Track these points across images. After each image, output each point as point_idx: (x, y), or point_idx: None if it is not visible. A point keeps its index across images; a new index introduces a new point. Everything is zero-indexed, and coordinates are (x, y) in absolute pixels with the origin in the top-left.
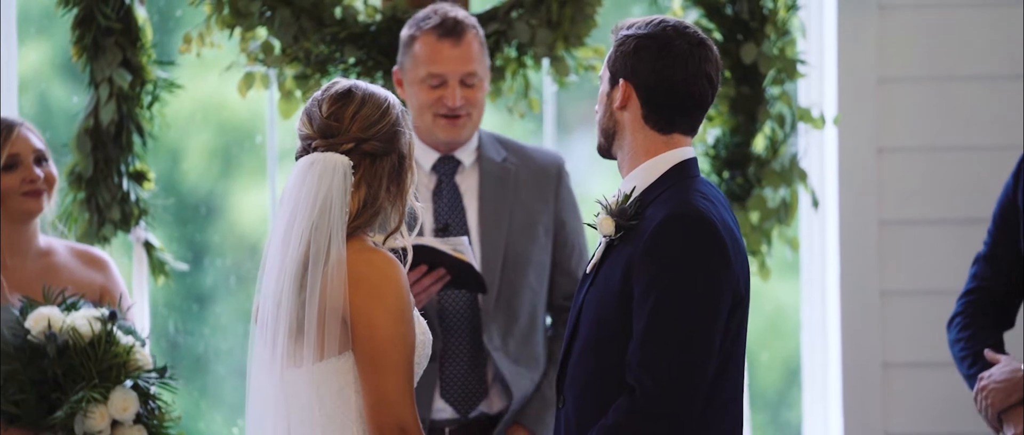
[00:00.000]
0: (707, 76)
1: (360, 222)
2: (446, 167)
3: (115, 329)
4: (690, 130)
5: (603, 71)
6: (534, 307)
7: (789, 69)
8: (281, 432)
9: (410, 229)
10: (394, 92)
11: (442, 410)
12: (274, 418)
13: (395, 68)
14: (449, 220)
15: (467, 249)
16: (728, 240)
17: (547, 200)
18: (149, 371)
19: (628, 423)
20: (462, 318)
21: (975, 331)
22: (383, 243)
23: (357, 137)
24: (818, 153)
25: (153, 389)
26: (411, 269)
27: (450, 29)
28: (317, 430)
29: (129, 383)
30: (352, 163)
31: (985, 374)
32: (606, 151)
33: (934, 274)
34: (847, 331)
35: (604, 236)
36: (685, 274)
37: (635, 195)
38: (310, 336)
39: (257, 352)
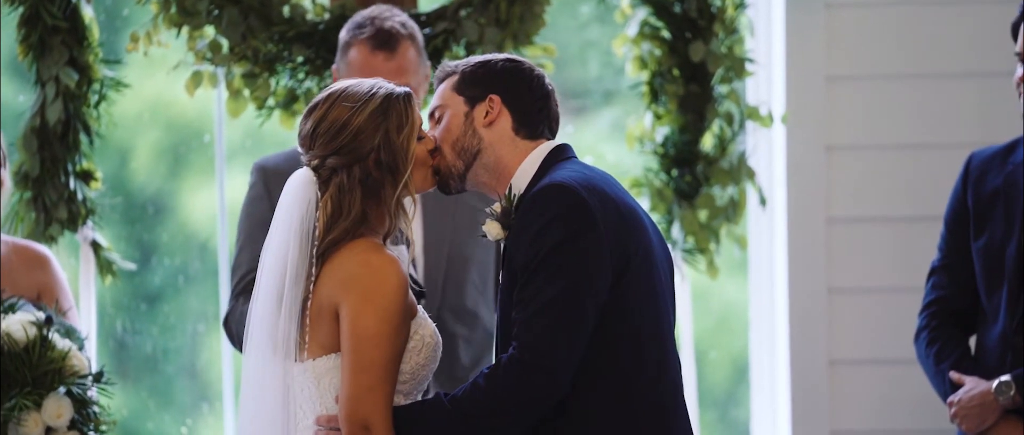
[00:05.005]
0: (557, 105)
1: (336, 235)
2: None
3: (52, 333)
4: (552, 137)
5: (446, 98)
6: (479, 305)
7: (737, 67)
8: (279, 424)
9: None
10: None
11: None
12: (260, 410)
13: (334, 67)
14: None
15: (404, 259)
16: (594, 203)
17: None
18: (84, 376)
19: (494, 386)
20: None
21: (943, 344)
22: (385, 242)
23: (320, 154)
24: (766, 151)
25: (90, 394)
26: None
27: (384, 41)
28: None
29: (63, 390)
30: (320, 178)
31: (954, 398)
32: (458, 178)
33: (882, 272)
34: (795, 329)
35: (494, 239)
36: (548, 242)
37: (516, 195)
38: (284, 337)
39: (249, 349)
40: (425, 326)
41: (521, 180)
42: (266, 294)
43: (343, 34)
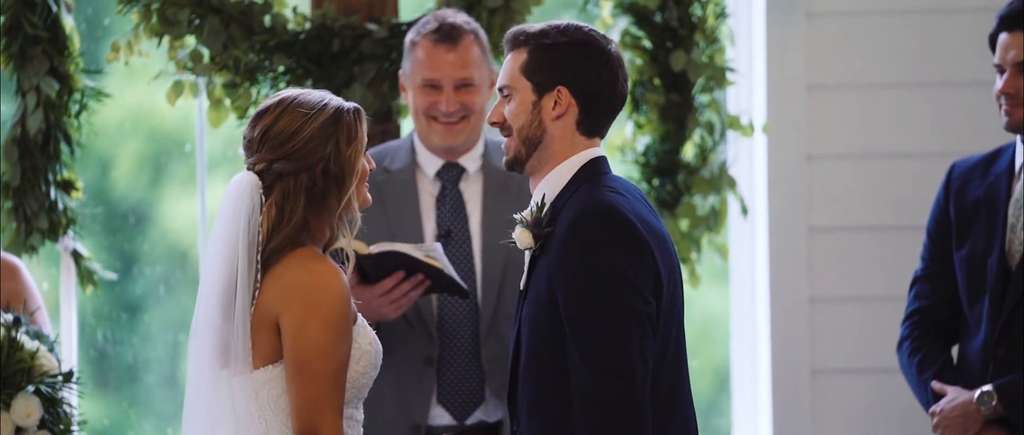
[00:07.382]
0: (626, 77)
1: (278, 242)
2: (450, 174)
3: (20, 334)
4: (606, 132)
5: (514, 79)
6: None
7: (718, 77)
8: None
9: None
10: (397, 98)
11: (440, 416)
12: (209, 424)
13: (401, 72)
14: (452, 226)
15: (440, 255)
16: (643, 229)
17: None
18: (54, 376)
19: (588, 418)
20: (462, 324)
21: (925, 354)
22: (325, 253)
23: (267, 158)
24: (747, 160)
25: (61, 394)
26: (387, 275)
27: (446, 35)
28: None
29: (31, 389)
30: (264, 182)
31: (936, 408)
32: (522, 164)
33: (863, 281)
34: (777, 338)
35: (525, 249)
36: (600, 269)
37: (547, 203)
38: (237, 347)
39: (194, 360)
40: (365, 334)
41: (553, 184)
42: (210, 301)
43: (408, 37)
